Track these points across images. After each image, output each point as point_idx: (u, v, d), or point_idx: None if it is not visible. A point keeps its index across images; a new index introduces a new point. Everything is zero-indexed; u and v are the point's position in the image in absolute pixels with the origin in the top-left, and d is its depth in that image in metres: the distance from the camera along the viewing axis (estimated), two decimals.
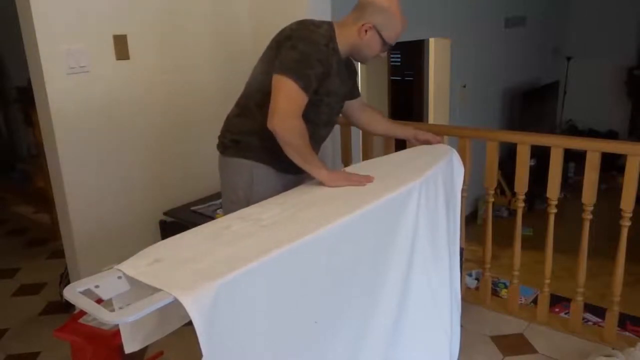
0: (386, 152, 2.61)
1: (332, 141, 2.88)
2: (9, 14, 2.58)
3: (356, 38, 1.78)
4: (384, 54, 1.89)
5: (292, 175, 1.87)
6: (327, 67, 1.73)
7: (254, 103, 1.82)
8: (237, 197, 1.84)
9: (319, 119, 1.85)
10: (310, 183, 1.74)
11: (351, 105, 2.08)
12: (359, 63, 2.08)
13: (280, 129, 1.65)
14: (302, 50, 1.67)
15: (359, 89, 2.15)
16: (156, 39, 2.54)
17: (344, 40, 1.79)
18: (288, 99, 1.65)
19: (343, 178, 1.70)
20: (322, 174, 1.70)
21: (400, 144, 2.51)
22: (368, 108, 2.18)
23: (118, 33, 2.38)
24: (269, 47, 1.79)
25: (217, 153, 1.92)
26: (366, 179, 1.69)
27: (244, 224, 1.40)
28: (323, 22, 1.80)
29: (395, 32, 1.80)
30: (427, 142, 2.11)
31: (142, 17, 2.47)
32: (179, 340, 2.47)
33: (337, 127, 2.86)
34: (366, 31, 1.76)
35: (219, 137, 1.93)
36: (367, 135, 2.78)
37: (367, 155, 2.80)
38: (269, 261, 1.21)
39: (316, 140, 1.88)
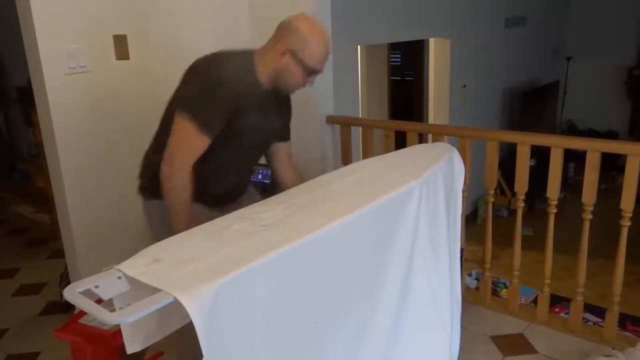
0: (386, 152, 2.61)
1: (333, 141, 2.88)
2: (9, 14, 2.58)
3: (277, 65, 1.66)
4: (311, 82, 1.74)
5: (229, 205, 1.78)
6: (236, 103, 1.61)
7: (167, 136, 1.70)
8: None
9: (228, 161, 1.74)
10: (311, 182, 1.74)
11: (277, 150, 1.92)
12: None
13: (167, 181, 1.58)
14: (204, 87, 1.58)
15: (290, 132, 1.98)
16: (156, 39, 2.54)
17: (266, 67, 1.68)
18: (184, 144, 1.56)
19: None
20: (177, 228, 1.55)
21: (401, 144, 2.51)
22: (290, 166, 1.99)
23: (118, 33, 2.38)
24: (180, 81, 1.71)
25: None
26: None
27: (244, 224, 1.40)
28: (239, 53, 1.71)
29: (314, 55, 1.65)
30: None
31: (142, 17, 2.47)
32: (179, 340, 2.47)
33: (337, 127, 2.87)
34: (282, 55, 1.65)
35: (139, 178, 1.83)
36: (367, 135, 2.78)
37: (367, 155, 2.80)
38: (269, 261, 1.21)
39: (226, 190, 1.79)
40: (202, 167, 1.63)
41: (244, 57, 1.69)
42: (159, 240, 1.63)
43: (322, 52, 1.67)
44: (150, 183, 1.75)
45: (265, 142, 1.87)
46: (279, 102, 1.81)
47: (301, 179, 1.96)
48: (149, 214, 1.83)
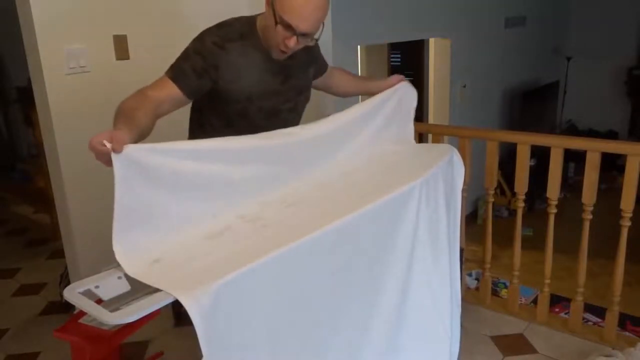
0: None
1: None
2: (9, 14, 2.58)
3: (265, 17, 1.52)
4: (291, 43, 1.49)
5: None
6: (226, 68, 1.54)
7: (195, 124, 1.75)
8: None
9: (251, 127, 1.57)
10: (311, 178, 1.69)
11: (322, 80, 1.90)
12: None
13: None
14: (187, 49, 1.57)
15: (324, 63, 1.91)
16: (156, 39, 2.54)
17: (262, 28, 1.57)
18: (155, 83, 1.51)
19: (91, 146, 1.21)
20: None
21: None
22: (336, 72, 1.98)
23: (118, 33, 2.38)
24: None
25: None
26: (103, 157, 1.24)
27: (245, 224, 1.40)
28: (241, 19, 1.62)
29: (290, 4, 1.42)
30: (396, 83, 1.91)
31: (142, 17, 2.47)
32: (179, 340, 2.48)
33: None
34: (267, 4, 1.49)
35: None
36: None
37: None
38: (269, 262, 1.21)
39: None
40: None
41: (245, 22, 1.60)
42: None
43: (301, 3, 1.42)
44: None
45: (294, 100, 1.74)
46: (296, 58, 1.65)
47: (350, 73, 2.01)
48: None
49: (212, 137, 1.45)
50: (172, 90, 1.51)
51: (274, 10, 1.45)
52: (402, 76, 1.96)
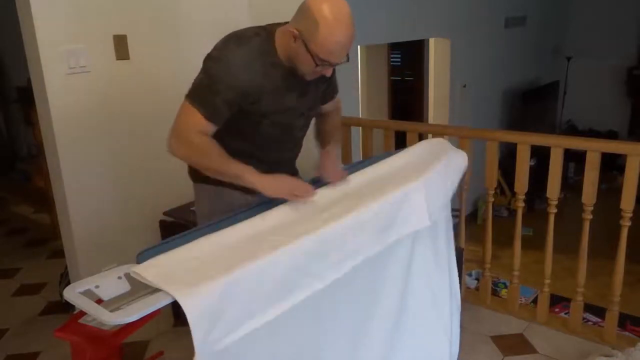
0: (386, 151, 2.61)
1: None
2: (9, 15, 2.58)
3: (289, 46, 1.50)
4: (327, 72, 1.55)
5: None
6: (250, 90, 1.53)
7: None
8: (204, 221, 1.68)
9: (268, 140, 1.67)
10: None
11: (323, 109, 1.85)
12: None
13: (177, 149, 1.53)
14: (212, 75, 1.52)
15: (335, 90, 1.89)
16: (156, 39, 2.54)
17: (283, 48, 1.55)
18: (187, 120, 1.52)
19: (281, 190, 1.50)
20: (250, 180, 1.50)
21: (401, 144, 2.51)
22: (330, 115, 1.91)
23: (118, 33, 2.38)
24: None
25: None
26: (307, 195, 1.53)
27: (246, 225, 1.40)
28: (259, 33, 1.57)
29: (322, 43, 1.43)
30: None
31: (142, 17, 2.47)
32: (179, 340, 2.48)
33: None
34: (295, 39, 1.47)
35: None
36: (367, 135, 2.78)
37: (367, 155, 2.80)
38: (269, 263, 1.21)
39: (276, 162, 1.72)
40: (238, 151, 1.59)
41: (264, 38, 1.56)
42: (204, 219, 1.70)
43: (335, 40, 1.43)
44: (193, 169, 1.76)
45: (306, 116, 1.76)
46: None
47: (336, 125, 1.91)
48: (198, 196, 1.83)
49: (224, 146, 1.53)
50: (209, 128, 1.53)
51: (309, 51, 1.46)
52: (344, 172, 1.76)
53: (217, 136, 1.57)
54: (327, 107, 1.87)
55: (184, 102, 1.55)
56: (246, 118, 1.59)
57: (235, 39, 1.56)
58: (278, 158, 1.76)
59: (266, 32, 1.57)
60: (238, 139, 1.64)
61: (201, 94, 1.52)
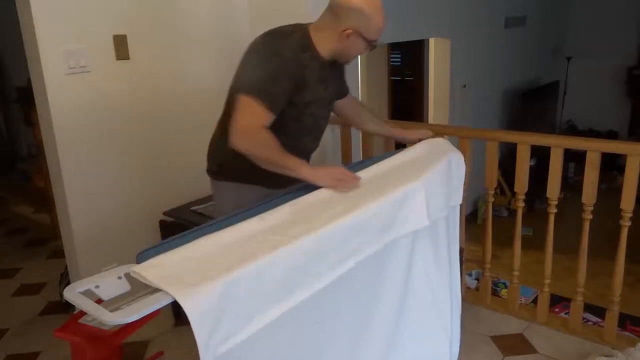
0: (386, 151, 2.61)
1: (333, 141, 2.88)
2: (9, 14, 2.58)
3: (335, 44, 1.69)
4: (368, 50, 1.80)
5: (282, 189, 1.79)
6: (300, 80, 1.65)
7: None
8: None
9: (301, 130, 1.79)
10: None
11: (340, 103, 2.01)
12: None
13: (242, 144, 1.59)
14: (268, 67, 1.60)
15: (348, 87, 2.08)
16: (156, 39, 2.54)
17: (325, 44, 1.70)
18: (250, 115, 1.59)
19: (329, 177, 1.62)
20: (303, 173, 1.62)
21: (401, 144, 2.51)
22: (356, 104, 2.13)
23: (118, 33, 2.38)
24: (240, 62, 1.72)
25: None
26: (353, 181, 1.64)
27: (247, 225, 1.40)
28: (295, 29, 1.70)
29: (376, 29, 1.68)
30: (419, 139, 2.05)
31: (142, 17, 2.47)
32: (179, 340, 2.48)
33: (337, 128, 2.86)
34: (348, 36, 1.66)
35: (207, 160, 1.90)
36: (367, 135, 2.78)
37: (367, 155, 2.79)
38: (269, 262, 1.21)
39: (300, 152, 1.80)
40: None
41: (302, 33, 1.69)
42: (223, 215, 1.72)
43: (381, 21, 1.69)
44: (220, 168, 1.83)
45: (328, 108, 1.92)
46: (333, 69, 1.83)
47: (369, 111, 2.14)
48: (219, 193, 1.89)
49: None
50: (270, 119, 1.63)
51: (365, 38, 1.68)
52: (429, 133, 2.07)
53: None
54: (344, 100, 2.03)
55: (242, 98, 1.60)
56: (291, 108, 1.68)
57: (279, 34, 1.69)
58: (305, 147, 1.87)
59: (301, 29, 1.71)
60: (278, 129, 1.68)
61: (262, 87, 1.60)
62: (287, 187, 1.71)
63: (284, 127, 1.70)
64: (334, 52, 1.72)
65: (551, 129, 6.06)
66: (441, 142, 2.04)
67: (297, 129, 1.77)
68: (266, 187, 1.78)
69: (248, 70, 1.65)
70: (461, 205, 2.10)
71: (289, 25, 1.72)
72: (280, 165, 1.63)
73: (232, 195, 1.81)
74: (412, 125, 2.73)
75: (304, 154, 1.86)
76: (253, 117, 1.59)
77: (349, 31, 1.65)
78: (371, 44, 1.72)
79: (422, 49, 4.61)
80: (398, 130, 2.15)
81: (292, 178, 1.68)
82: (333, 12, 1.67)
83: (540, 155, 3.63)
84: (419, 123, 4.32)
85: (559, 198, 2.35)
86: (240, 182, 1.78)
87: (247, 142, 1.60)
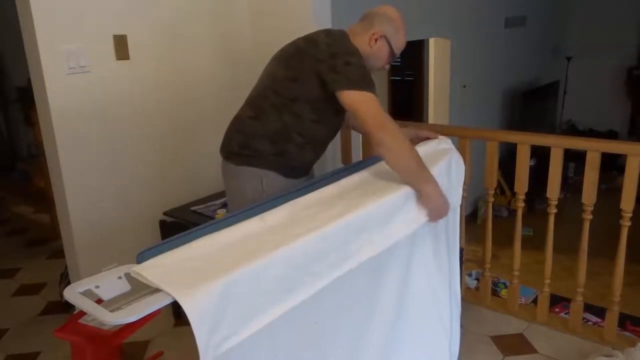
0: None
1: (333, 141, 2.87)
2: (9, 14, 2.58)
3: (366, 47, 1.78)
4: (388, 66, 1.90)
5: (296, 179, 1.84)
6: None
7: (269, 104, 1.76)
8: (247, 204, 1.74)
9: (331, 130, 1.87)
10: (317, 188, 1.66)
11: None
12: None
13: (388, 141, 1.59)
14: (356, 64, 1.67)
15: None
16: (156, 39, 2.54)
17: (360, 45, 1.78)
18: (379, 109, 1.62)
19: (444, 211, 1.68)
20: (431, 187, 1.62)
21: None
22: None
23: (118, 33, 2.38)
24: (294, 55, 1.75)
25: (218, 155, 1.90)
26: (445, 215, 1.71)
27: (247, 225, 1.40)
28: (341, 32, 1.80)
29: (401, 41, 1.84)
30: (427, 138, 2.06)
31: (142, 17, 2.47)
32: (179, 340, 2.48)
33: None
34: (376, 40, 1.78)
35: (226, 141, 1.86)
36: (366, 136, 2.77)
37: (367, 155, 2.79)
38: (269, 262, 1.21)
39: (315, 152, 1.89)
40: (309, 135, 1.78)
41: (344, 36, 1.78)
42: (235, 200, 1.83)
43: (405, 40, 1.86)
44: (242, 150, 1.80)
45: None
46: None
47: None
48: (239, 178, 1.83)
49: (298, 127, 1.74)
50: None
51: (390, 46, 1.81)
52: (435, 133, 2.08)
53: (298, 115, 1.73)
54: None
55: (360, 93, 1.62)
56: (337, 101, 1.68)
57: (339, 34, 1.77)
58: (325, 147, 1.93)
59: (341, 33, 1.79)
60: (316, 122, 1.77)
61: (366, 79, 1.64)
62: (300, 176, 1.81)
63: (326, 123, 1.79)
64: (365, 54, 1.78)
65: (551, 129, 6.06)
66: (442, 142, 2.04)
67: (333, 126, 1.86)
68: (284, 175, 1.80)
69: (344, 70, 1.64)
70: (461, 206, 2.10)
71: (337, 32, 1.80)
72: (419, 165, 1.62)
73: (258, 180, 1.79)
74: (412, 125, 2.73)
75: (320, 154, 1.93)
76: (381, 109, 1.62)
77: (379, 34, 1.77)
78: (392, 55, 1.83)
79: (422, 49, 4.61)
80: (411, 132, 2.12)
81: (308, 169, 1.76)
82: (368, 20, 1.81)
83: (540, 155, 3.63)
84: (419, 123, 4.32)
85: (559, 198, 2.35)
86: (261, 168, 1.78)
87: (390, 135, 1.59)
